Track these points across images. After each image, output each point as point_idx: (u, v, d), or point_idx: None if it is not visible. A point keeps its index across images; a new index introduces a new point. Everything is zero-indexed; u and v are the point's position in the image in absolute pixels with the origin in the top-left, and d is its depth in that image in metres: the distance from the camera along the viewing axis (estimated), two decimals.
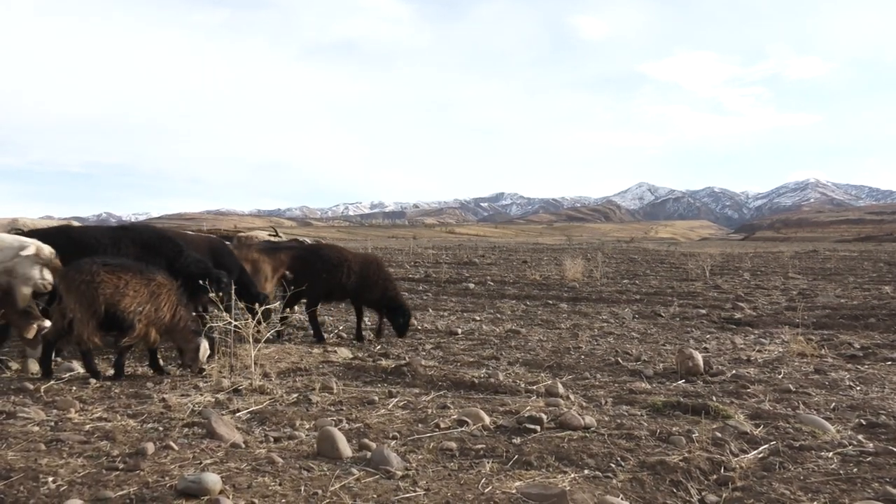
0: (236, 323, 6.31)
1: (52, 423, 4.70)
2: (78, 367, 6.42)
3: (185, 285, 6.67)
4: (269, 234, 13.93)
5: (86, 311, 5.81)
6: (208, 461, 3.98)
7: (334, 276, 8.69)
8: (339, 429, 4.57)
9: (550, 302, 13.52)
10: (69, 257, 6.43)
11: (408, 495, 3.55)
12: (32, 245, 6.07)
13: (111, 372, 6.34)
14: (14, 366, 6.54)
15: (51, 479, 3.60)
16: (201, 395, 5.65)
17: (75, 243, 6.97)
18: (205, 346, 6.30)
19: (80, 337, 5.88)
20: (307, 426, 4.85)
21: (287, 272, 8.80)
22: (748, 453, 4.38)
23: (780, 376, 6.84)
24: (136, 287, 6.03)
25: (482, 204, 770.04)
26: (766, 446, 4.49)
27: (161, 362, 6.57)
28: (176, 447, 4.20)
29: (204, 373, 6.30)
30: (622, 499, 3.56)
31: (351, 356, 7.69)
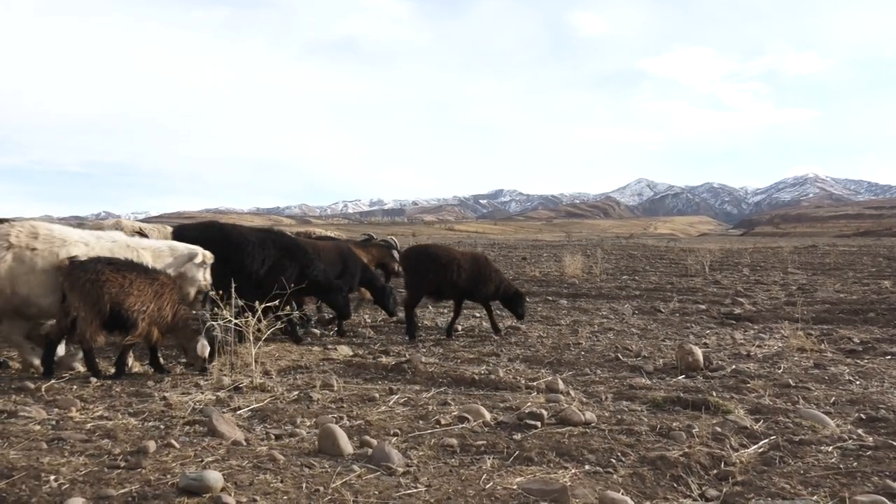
0: (236, 321, 6.32)
1: (54, 422, 4.71)
2: (80, 367, 6.43)
3: (311, 290, 8.17)
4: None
5: (90, 310, 5.82)
6: (210, 459, 3.99)
7: (444, 274, 8.90)
8: (340, 426, 4.57)
9: (550, 298, 13.53)
10: (223, 252, 7.43)
11: (409, 492, 3.56)
12: (200, 252, 6.95)
13: (112, 371, 6.35)
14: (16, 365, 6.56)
15: (52, 477, 3.61)
16: (202, 393, 5.66)
17: (228, 240, 7.80)
18: (206, 344, 6.31)
19: (83, 335, 5.88)
20: (308, 423, 4.86)
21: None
22: (748, 448, 4.39)
23: (779, 371, 6.86)
24: (141, 286, 6.04)
25: (481, 201, 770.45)
26: (766, 441, 4.50)
27: (161, 361, 6.58)
28: (177, 445, 4.21)
29: (206, 371, 6.31)
30: (623, 494, 3.57)
31: (351, 353, 7.70)
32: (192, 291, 6.94)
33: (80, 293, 5.80)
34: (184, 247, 6.98)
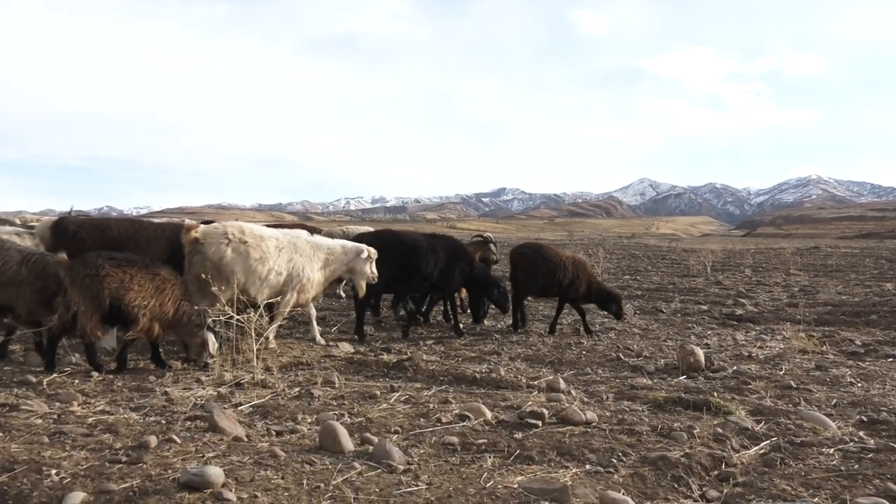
0: (238, 317, 6.32)
1: (55, 416, 4.71)
2: (82, 361, 6.44)
3: (471, 288, 9.59)
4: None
5: (90, 305, 5.82)
6: (211, 454, 3.99)
7: (553, 273, 9.24)
8: (342, 423, 4.57)
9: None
10: (400, 257, 8.63)
11: (410, 489, 3.56)
12: (366, 249, 8.08)
13: (113, 365, 6.35)
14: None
15: (54, 471, 3.61)
16: (203, 388, 5.66)
17: (404, 244, 8.87)
18: (210, 339, 6.31)
19: (83, 330, 5.88)
20: (309, 420, 4.86)
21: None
22: (749, 449, 4.39)
23: (781, 373, 6.85)
24: (141, 281, 6.04)
25: (483, 199, 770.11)
26: (767, 442, 4.50)
27: (163, 356, 6.58)
28: (178, 440, 4.21)
29: (208, 367, 6.31)
30: (624, 494, 3.57)
31: (353, 351, 7.70)
32: (363, 283, 8.14)
33: (80, 288, 5.80)
34: (353, 245, 8.19)
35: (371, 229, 10.07)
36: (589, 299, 9.72)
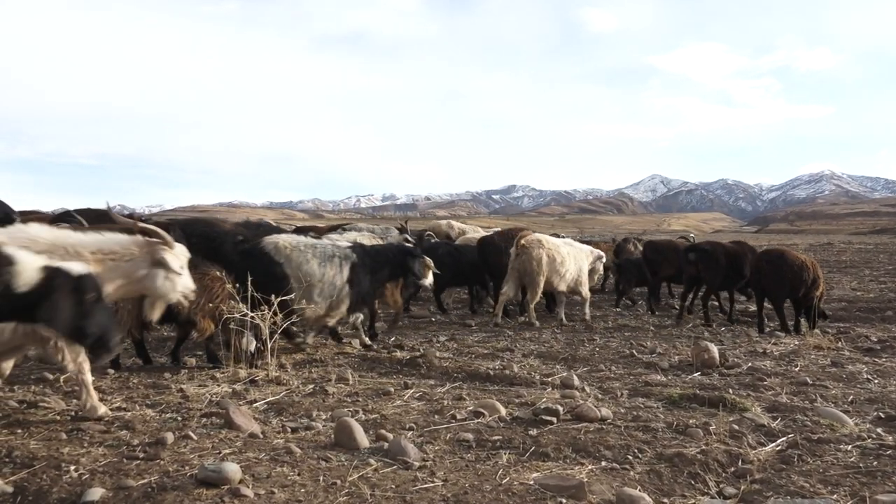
0: (253, 314, 6.34)
1: (73, 413, 4.75)
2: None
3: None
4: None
5: (136, 304, 5.83)
6: (227, 451, 4.01)
7: (799, 278, 9.34)
8: (356, 420, 4.57)
9: None
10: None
11: (426, 486, 3.56)
12: (602, 253, 10.87)
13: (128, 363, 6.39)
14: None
15: (73, 467, 3.65)
16: (218, 385, 5.69)
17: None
18: (249, 338, 6.30)
19: (128, 328, 5.97)
20: (324, 417, 4.87)
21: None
22: (766, 446, 4.36)
23: (796, 369, 6.81)
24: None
25: (494, 196, 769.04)
26: (784, 439, 4.47)
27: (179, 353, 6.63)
28: (195, 437, 4.23)
29: (256, 361, 6.29)
30: (640, 490, 3.56)
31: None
32: (595, 278, 10.90)
33: None
34: (590, 248, 10.85)
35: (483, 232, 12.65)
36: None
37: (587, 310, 10.30)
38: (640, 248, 13.53)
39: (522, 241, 9.54)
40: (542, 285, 9.49)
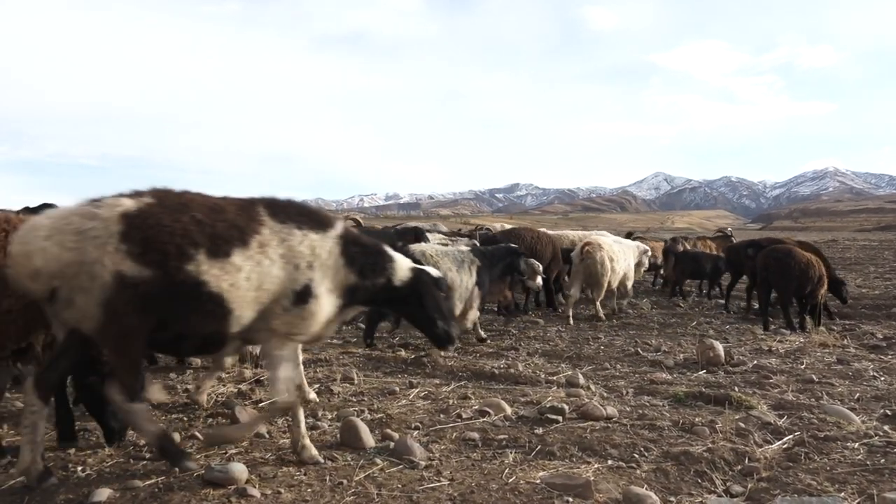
0: None
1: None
2: None
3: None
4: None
5: None
6: (233, 451, 4.02)
7: (806, 276, 9.40)
8: (361, 419, 4.58)
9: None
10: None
11: (432, 485, 3.56)
12: (648, 248, 12.23)
13: None
14: None
15: (80, 468, 3.66)
16: (224, 385, 5.70)
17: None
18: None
19: None
20: (329, 416, 4.88)
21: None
22: (772, 444, 4.35)
23: (802, 367, 6.78)
24: None
25: (497, 195, 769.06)
26: (790, 437, 4.45)
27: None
28: (201, 437, 4.24)
29: (263, 366, 6.29)
30: (647, 489, 3.55)
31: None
32: (641, 271, 12.18)
33: None
34: (636, 244, 12.04)
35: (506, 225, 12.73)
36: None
37: (605, 306, 10.64)
38: (687, 246, 14.61)
39: (587, 248, 10.20)
40: (606, 285, 10.22)
